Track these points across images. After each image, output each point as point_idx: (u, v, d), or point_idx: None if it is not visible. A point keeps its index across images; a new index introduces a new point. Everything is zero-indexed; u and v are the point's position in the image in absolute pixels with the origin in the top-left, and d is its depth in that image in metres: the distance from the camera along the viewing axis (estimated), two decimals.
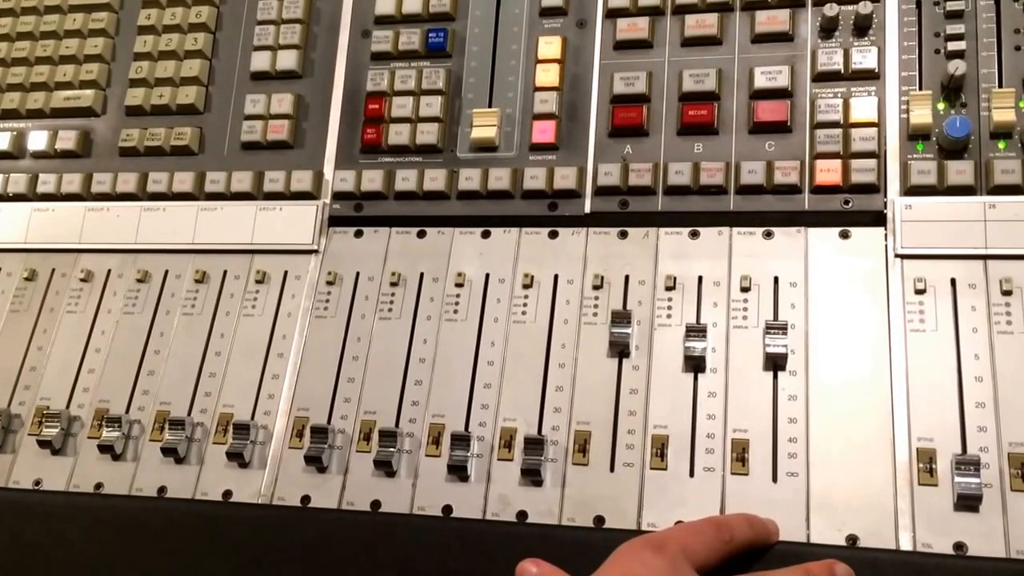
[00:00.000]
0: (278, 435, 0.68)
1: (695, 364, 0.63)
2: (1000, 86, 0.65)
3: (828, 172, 0.66)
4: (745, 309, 0.65)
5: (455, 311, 0.70)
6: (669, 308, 0.66)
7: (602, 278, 0.68)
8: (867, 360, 0.61)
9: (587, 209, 0.70)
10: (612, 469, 0.62)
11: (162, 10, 0.84)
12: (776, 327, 0.63)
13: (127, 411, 0.71)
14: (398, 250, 0.73)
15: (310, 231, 0.75)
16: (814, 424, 0.60)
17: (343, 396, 0.68)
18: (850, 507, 0.58)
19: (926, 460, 0.58)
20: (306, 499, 0.66)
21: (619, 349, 0.65)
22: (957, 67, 0.65)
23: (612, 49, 0.73)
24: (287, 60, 0.80)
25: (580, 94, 0.73)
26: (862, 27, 0.69)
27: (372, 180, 0.74)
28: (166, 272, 0.76)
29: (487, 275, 0.70)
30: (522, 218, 0.71)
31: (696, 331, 0.64)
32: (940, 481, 0.57)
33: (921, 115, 0.65)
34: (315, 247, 0.74)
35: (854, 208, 0.66)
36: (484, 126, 0.73)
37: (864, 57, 0.68)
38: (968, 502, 0.56)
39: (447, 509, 0.63)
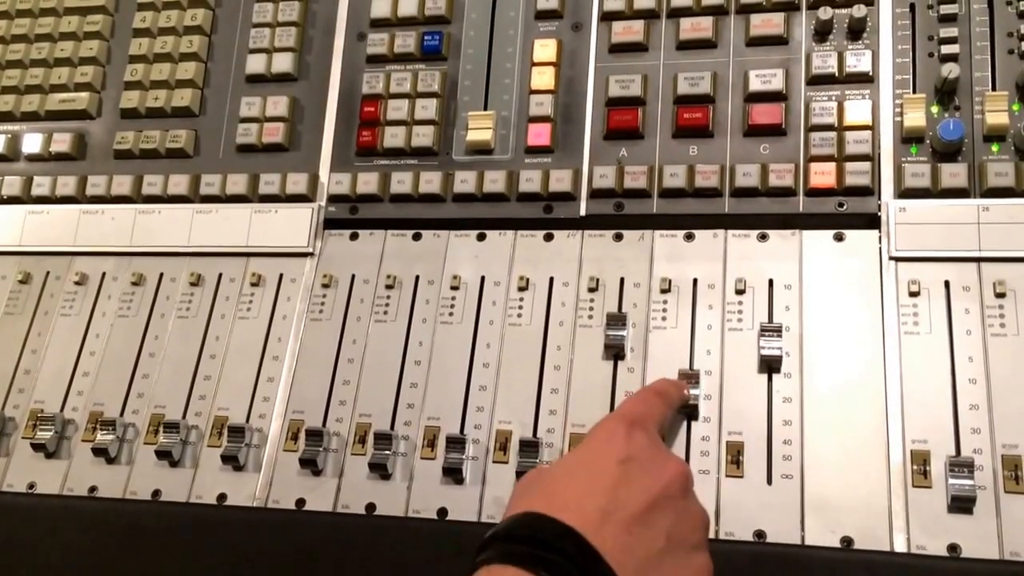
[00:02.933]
0: (273, 438, 0.68)
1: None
2: (993, 89, 0.66)
3: (822, 175, 0.66)
4: (740, 311, 0.65)
5: (450, 313, 0.69)
6: (664, 311, 0.66)
7: (597, 280, 0.68)
8: (861, 362, 0.61)
9: (582, 212, 0.70)
10: None
11: (157, 13, 0.84)
12: (771, 329, 0.63)
13: (121, 414, 0.71)
14: (393, 253, 0.73)
15: (305, 234, 0.75)
16: (809, 426, 0.60)
17: (338, 399, 0.68)
18: (844, 509, 0.58)
19: (920, 462, 0.58)
20: (301, 502, 0.65)
21: (614, 351, 0.65)
22: (951, 70, 0.65)
23: (607, 52, 0.73)
24: (282, 63, 0.80)
25: (575, 97, 0.73)
26: (856, 30, 0.69)
27: (367, 183, 0.74)
28: (161, 275, 0.76)
29: (482, 278, 0.70)
30: (517, 221, 0.71)
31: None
32: (934, 483, 0.57)
33: (915, 118, 0.65)
34: (310, 250, 0.74)
35: (848, 211, 0.66)
36: (479, 129, 0.73)
37: (858, 60, 0.68)
38: (962, 504, 0.56)
39: (442, 512, 0.63)
